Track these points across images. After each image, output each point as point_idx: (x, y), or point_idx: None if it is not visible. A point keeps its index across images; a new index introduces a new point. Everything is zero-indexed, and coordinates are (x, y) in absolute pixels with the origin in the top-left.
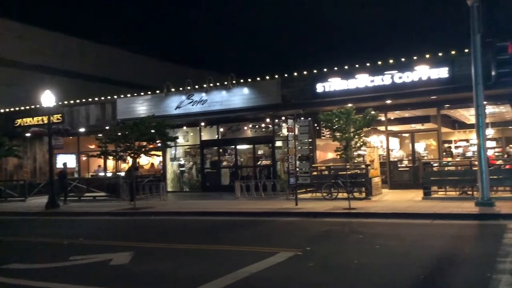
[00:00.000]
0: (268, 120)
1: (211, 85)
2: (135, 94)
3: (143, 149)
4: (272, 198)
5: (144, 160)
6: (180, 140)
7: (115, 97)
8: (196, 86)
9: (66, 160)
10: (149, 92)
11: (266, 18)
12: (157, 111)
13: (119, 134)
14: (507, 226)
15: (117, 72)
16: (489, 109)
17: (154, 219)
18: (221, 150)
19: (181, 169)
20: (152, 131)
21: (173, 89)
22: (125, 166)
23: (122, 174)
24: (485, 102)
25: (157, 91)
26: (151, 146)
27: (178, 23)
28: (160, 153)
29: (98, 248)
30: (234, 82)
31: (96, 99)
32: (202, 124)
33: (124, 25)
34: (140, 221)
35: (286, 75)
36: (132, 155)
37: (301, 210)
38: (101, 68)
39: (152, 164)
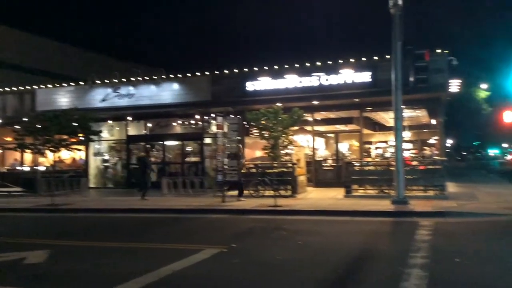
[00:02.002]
0: (197, 116)
1: (140, 78)
2: (57, 85)
3: (64, 143)
4: (199, 195)
5: (65, 155)
6: (105, 135)
7: (35, 87)
8: (124, 79)
9: None
10: (73, 83)
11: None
12: (81, 103)
13: (38, 126)
14: (419, 223)
15: (37, 61)
16: (407, 113)
17: (75, 216)
18: (148, 146)
19: (105, 164)
20: (74, 124)
21: (98, 81)
22: (43, 160)
23: (41, 168)
24: (403, 106)
25: (81, 83)
26: (73, 139)
27: (107, 13)
28: (82, 147)
29: (11, 246)
30: (164, 76)
31: (14, 88)
32: (129, 118)
33: (48, 12)
34: (59, 218)
35: (216, 72)
36: (52, 148)
37: (228, 207)
38: (20, 56)
39: (74, 159)
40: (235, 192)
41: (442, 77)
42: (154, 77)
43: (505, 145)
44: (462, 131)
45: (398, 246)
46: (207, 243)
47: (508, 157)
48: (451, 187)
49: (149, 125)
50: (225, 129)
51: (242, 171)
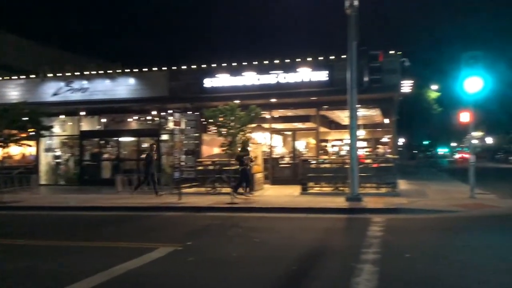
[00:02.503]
0: (154, 112)
1: (94, 72)
2: (7, 78)
3: (14, 138)
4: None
5: (14, 150)
6: (57, 130)
7: None
8: (77, 73)
9: None
10: (23, 76)
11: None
12: (32, 97)
13: None
14: (372, 219)
15: None
16: (362, 112)
17: (24, 214)
18: (102, 142)
19: (57, 160)
20: (25, 118)
21: (50, 75)
22: None
23: None
24: (358, 105)
25: (33, 76)
26: (22, 135)
27: (61, 5)
28: (33, 143)
29: None
30: (119, 71)
31: None
32: (82, 113)
33: None
34: (7, 216)
35: (174, 68)
36: (0, 144)
37: (184, 204)
38: None
39: (24, 155)
40: (191, 190)
41: (395, 77)
42: (109, 71)
43: (453, 144)
44: (414, 130)
45: (351, 242)
46: (162, 241)
47: (457, 155)
48: (403, 185)
49: (104, 120)
50: (183, 126)
51: (200, 168)
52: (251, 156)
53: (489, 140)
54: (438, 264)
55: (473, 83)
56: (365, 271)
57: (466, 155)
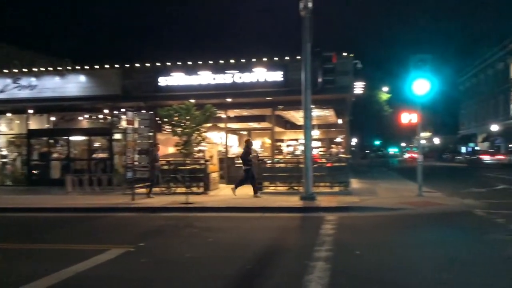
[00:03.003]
0: (106, 111)
1: (43, 69)
2: None
3: None
4: (107, 193)
5: None
6: (3, 128)
7: None
8: (25, 70)
9: None
10: None
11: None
12: None
13: None
14: (325, 218)
15: None
16: (316, 112)
17: None
18: (52, 141)
19: (3, 160)
20: None
21: None
22: None
23: None
24: (312, 106)
25: None
26: None
27: None
28: None
29: None
30: (69, 68)
31: None
32: (31, 111)
33: None
34: None
35: (127, 65)
36: None
37: (137, 205)
38: None
39: None
40: (145, 190)
41: (347, 79)
42: (58, 68)
43: (403, 144)
44: (366, 130)
45: (305, 240)
46: (113, 243)
47: (406, 155)
48: (355, 183)
49: (53, 119)
50: (136, 125)
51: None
52: (204, 156)
53: (437, 140)
54: (387, 260)
55: (421, 85)
56: (318, 268)
57: (415, 155)
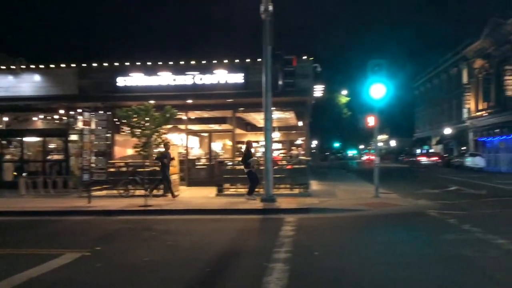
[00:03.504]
0: (62, 111)
1: None
2: None
3: None
4: (63, 196)
5: None
6: None
7: None
8: None
9: None
10: None
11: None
12: None
13: None
14: (285, 219)
15: None
16: (276, 114)
17: None
18: (4, 142)
19: None
20: None
21: None
22: None
23: None
24: (273, 108)
25: None
26: None
27: None
28: None
29: None
30: (23, 67)
31: None
32: None
33: None
34: None
35: (84, 65)
36: None
37: (94, 208)
38: None
39: None
40: (102, 192)
41: (307, 82)
42: (12, 66)
43: (362, 146)
44: (326, 133)
45: (265, 242)
46: (68, 247)
47: (364, 157)
48: (315, 185)
49: (6, 119)
50: (93, 126)
51: (111, 170)
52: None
53: (393, 143)
54: (345, 261)
55: (378, 90)
56: (277, 270)
57: (372, 157)
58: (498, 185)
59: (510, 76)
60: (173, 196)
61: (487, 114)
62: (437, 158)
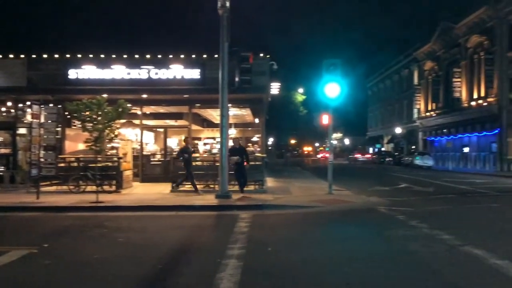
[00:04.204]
0: (10, 104)
1: None
2: None
3: None
4: (10, 191)
5: None
6: None
7: None
8: None
9: None
10: None
11: None
12: None
13: None
14: (239, 216)
15: None
16: (233, 111)
17: None
18: None
19: None
20: None
21: None
22: None
23: None
24: (229, 105)
25: None
26: None
27: None
28: None
29: None
30: None
31: None
32: None
33: None
34: None
35: (34, 56)
36: None
37: (42, 204)
38: None
39: None
40: (52, 188)
41: (264, 79)
42: None
43: (317, 144)
44: (282, 130)
45: (218, 238)
46: (14, 244)
47: (319, 155)
48: (270, 182)
49: None
50: (42, 119)
51: (62, 164)
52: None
53: (347, 141)
54: (297, 256)
55: (333, 89)
56: (230, 266)
57: (327, 155)
58: (445, 183)
59: (458, 79)
60: (197, 191)
61: (435, 114)
62: (369, 156)
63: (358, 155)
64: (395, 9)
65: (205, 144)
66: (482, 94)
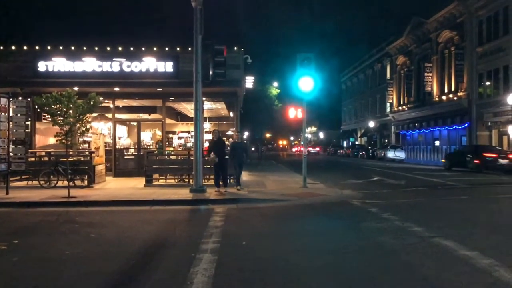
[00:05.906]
0: None
1: None
2: None
3: None
4: None
5: None
6: None
7: None
8: None
9: None
10: None
11: None
12: None
13: None
14: (214, 210)
15: None
16: (207, 104)
17: None
18: None
19: None
20: None
21: None
22: None
23: None
24: (204, 98)
25: None
26: None
27: None
28: None
29: None
30: None
31: None
32: None
33: None
34: None
35: (1, 47)
36: None
37: (12, 199)
38: None
39: None
40: (22, 183)
41: (238, 73)
42: None
43: (292, 137)
44: (257, 124)
45: (193, 233)
46: None
47: (294, 149)
48: (245, 176)
49: None
50: (11, 113)
51: (32, 159)
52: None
53: (322, 135)
54: (271, 249)
55: (307, 82)
56: (204, 260)
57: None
58: (416, 176)
59: (429, 73)
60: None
61: (408, 108)
62: (318, 149)
63: (310, 148)
64: (368, 2)
65: (179, 138)
66: (453, 88)
